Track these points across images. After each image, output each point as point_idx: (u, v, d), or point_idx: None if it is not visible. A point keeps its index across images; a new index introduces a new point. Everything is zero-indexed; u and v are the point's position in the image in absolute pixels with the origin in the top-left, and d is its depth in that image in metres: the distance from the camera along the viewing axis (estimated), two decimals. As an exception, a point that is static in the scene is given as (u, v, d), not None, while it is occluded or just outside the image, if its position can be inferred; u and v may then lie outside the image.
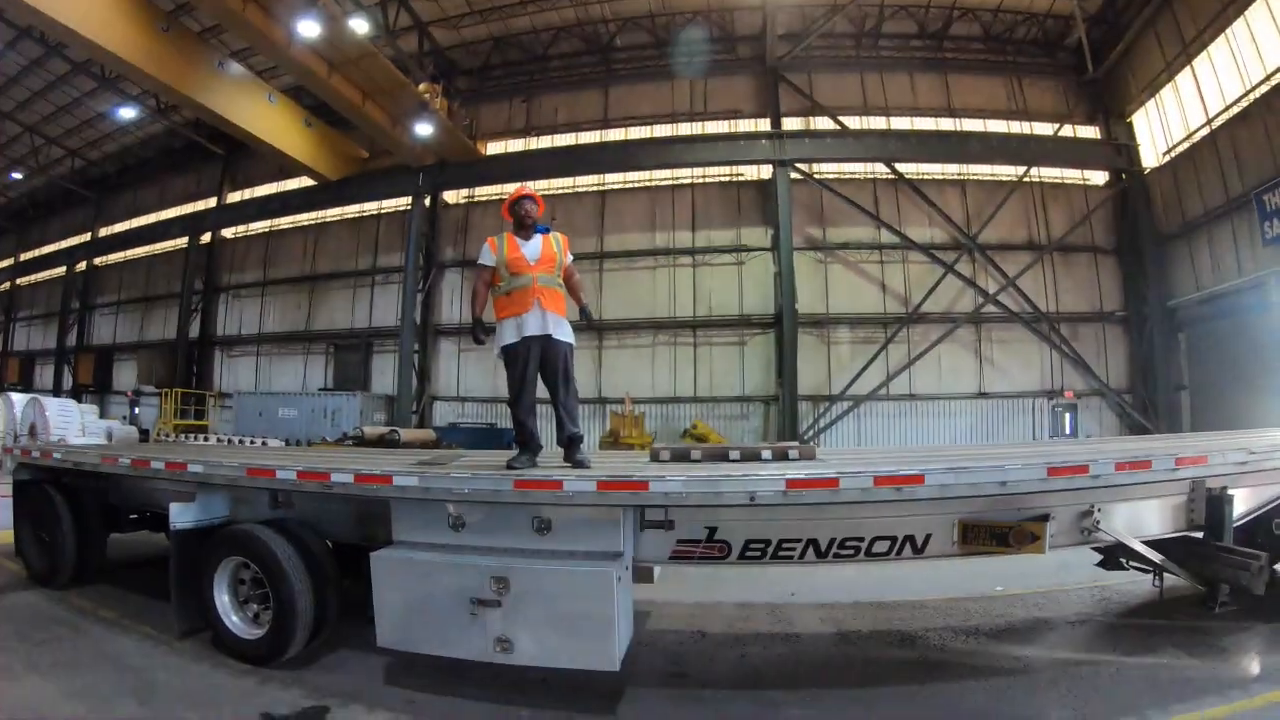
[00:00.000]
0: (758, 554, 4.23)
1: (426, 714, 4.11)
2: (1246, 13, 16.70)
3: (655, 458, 5.40)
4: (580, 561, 3.99)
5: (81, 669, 4.58)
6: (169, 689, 4.33)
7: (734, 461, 4.93)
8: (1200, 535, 4.94)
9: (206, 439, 19.68)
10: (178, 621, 4.98)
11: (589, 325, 5.47)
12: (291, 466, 4.77)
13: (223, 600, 4.80)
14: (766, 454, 5.05)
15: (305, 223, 24.92)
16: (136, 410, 27.18)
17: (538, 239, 4.97)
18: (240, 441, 18.17)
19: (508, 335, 4.84)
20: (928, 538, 4.24)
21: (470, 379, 22.10)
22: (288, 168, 23.23)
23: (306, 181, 23.65)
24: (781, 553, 4.22)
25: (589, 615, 3.85)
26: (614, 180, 21.43)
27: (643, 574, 4.38)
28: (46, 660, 4.69)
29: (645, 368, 20.27)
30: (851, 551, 4.24)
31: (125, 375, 28.67)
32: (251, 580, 4.75)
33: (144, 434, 22.09)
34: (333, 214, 24.37)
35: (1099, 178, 21.35)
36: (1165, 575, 5.68)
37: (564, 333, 4.90)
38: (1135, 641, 5.56)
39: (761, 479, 3.99)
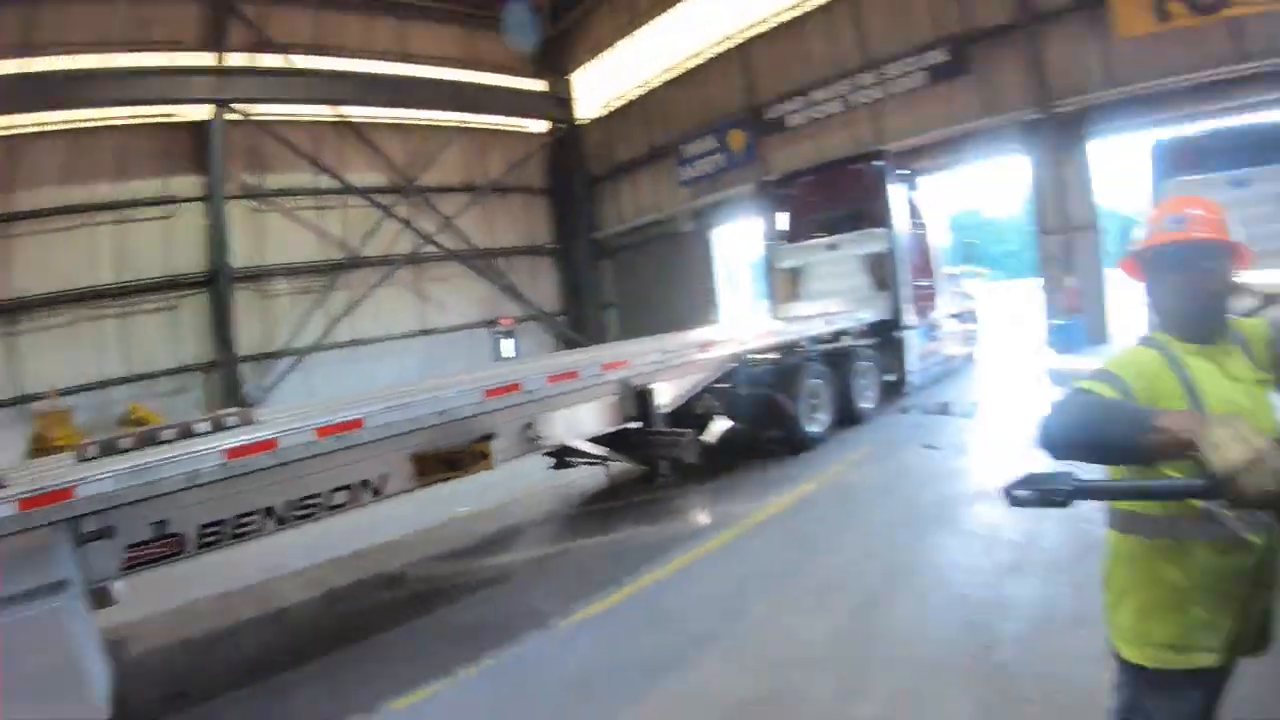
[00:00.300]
0: (216, 537, 3.97)
1: None
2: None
3: (82, 456, 4.53)
4: (18, 607, 3.30)
5: None
6: None
7: (169, 442, 4.40)
8: (637, 426, 5.82)
9: None
10: None
11: None
12: None
13: None
14: (203, 426, 4.62)
15: None
16: None
17: None
18: None
19: None
20: (384, 478, 4.34)
21: None
22: None
23: None
24: (241, 529, 4.02)
25: (49, 667, 3.29)
26: (27, 122, 17.78)
27: (102, 597, 3.98)
28: None
29: (67, 352, 17.37)
30: (312, 510, 4.19)
31: None
32: None
33: None
34: None
35: (541, 127, 24.06)
36: (612, 465, 6.78)
37: None
38: (597, 525, 6.29)
39: (199, 455, 3.73)
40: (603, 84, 23.72)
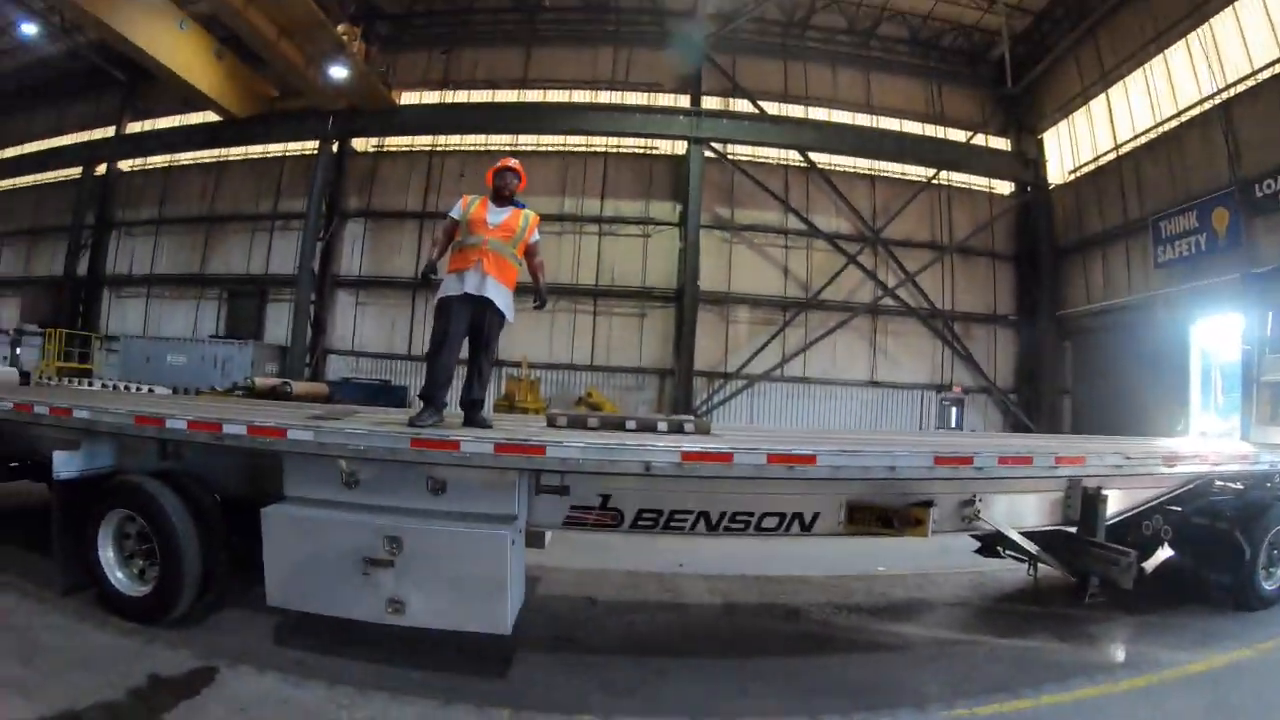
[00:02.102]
0: (650, 523, 4.24)
1: (316, 675, 3.94)
2: (1166, 51, 17.46)
3: (552, 423, 5.35)
4: (475, 524, 3.92)
5: (-43, 630, 4.31)
6: (53, 649, 4.07)
7: (630, 431, 4.93)
8: (1074, 530, 5.24)
9: (90, 384, 18.54)
10: (61, 578, 4.68)
11: (539, 308, 5.53)
12: (182, 416, 4.51)
13: (107, 555, 4.50)
14: (662, 425, 5.03)
15: (206, 160, 23.68)
16: (18, 350, 25.45)
17: (509, 210, 5.03)
18: (126, 388, 17.22)
19: (449, 288, 4.88)
20: (816, 516, 4.31)
21: (366, 333, 21.52)
22: (193, 100, 21.93)
23: (211, 117, 22.44)
24: (673, 523, 4.24)
25: (482, 578, 3.82)
26: (528, 142, 21.09)
27: (534, 539, 4.38)
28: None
29: (544, 333, 19.89)
30: (742, 526, 4.27)
31: (7, 312, 26.81)
32: (137, 535, 4.47)
33: (25, 376, 20.68)
34: (236, 153, 23.26)
35: (1005, 188, 22.08)
36: (1039, 565, 6.12)
37: (502, 301, 4.92)
38: (1009, 625, 5.73)
39: (657, 450, 3.96)
40: (1073, 146, 21.14)
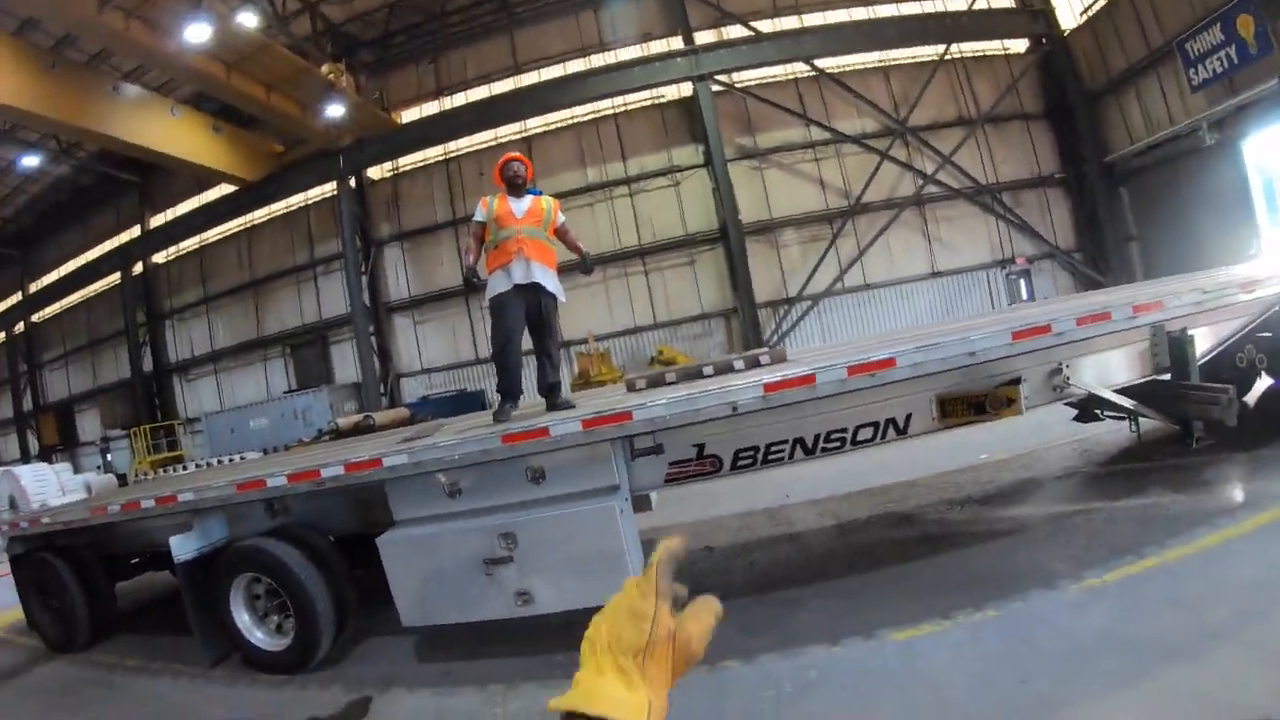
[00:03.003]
0: (749, 461, 4.27)
1: (465, 679, 4.15)
2: None
3: (631, 388, 5.49)
4: (581, 501, 4.01)
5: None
6: (215, 717, 4.34)
7: (709, 377, 4.99)
8: (1167, 377, 5.06)
9: (184, 468, 19.26)
10: (205, 651, 4.93)
11: (588, 272, 5.70)
12: (280, 472, 4.69)
13: (243, 619, 4.74)
14: (739, 364, 5.10)
15: (235, 229, 24.18)
16: (109, 456, 26.67)
17: (528, 199, 5.15)
18: (218, 462, 17.80)
19: (497, 285, 5.00)
20: (908, 418, 4.31)
21: (431, 350, 21.80)
22: (205, 179, 22.52)
23: (227, 189, 22.95)
24: (771, 456, 4.26)
25: (600, 552, 3.89)
26: (536, 125, 21.04)
27: (640, 503, 4.44)
28: (88, 721, 4.66)
29: (601, 304, 20.03)
30: (838, 443, 4.29)
31: (90, 424, 27.97)
32: (266, 593, 4.72)
33: (121, 479, 21.55)
34: (261, 215, 23.65)
35: (1020, 45, 21.23)
36: (1140, 420, 5.95)
37: (550, 283, 5.07)
38: (1121, 487, 5.71)
39: (739, 388, 3.98)
40: None
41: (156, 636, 5.96)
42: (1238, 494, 5.30)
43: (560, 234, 5.28)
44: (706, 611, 0.82)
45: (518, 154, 5.28)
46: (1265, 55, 14.96)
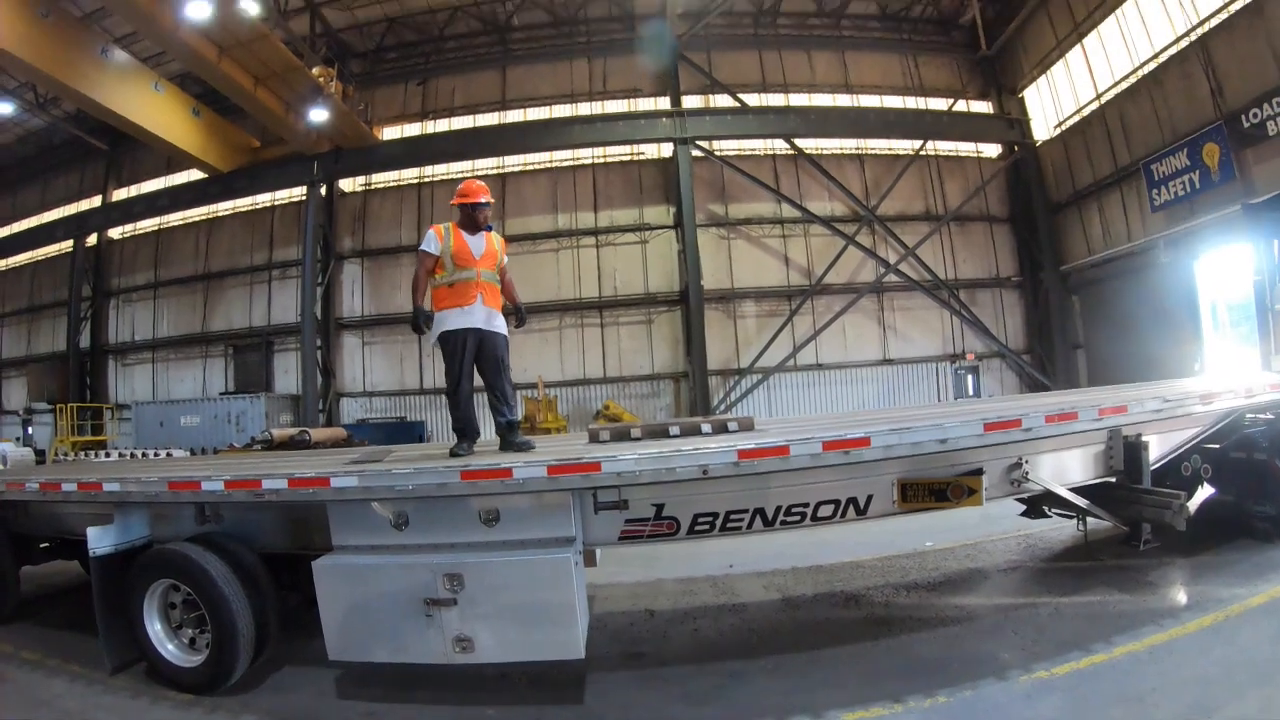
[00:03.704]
0: (706, 527, 4.19)
1: None
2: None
3: (595, 438, 5.32)
4: (535, 550, 3.88)
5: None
6: None
7: (675, 437, 4.87)
8: (1116, 480, 5.22)
9: (107, 455, 18.62)
10: (108, 656, 4.57)
11: (520, 324, 5.37)
12: (218, 476, 4.43)
13: (155, 628, 4.44)
14: (707, 427, 4.98)
15: (196, 218, 23.71)
16: (30, 430, 25.55)
17: (483, 236, 5.03)
18: (143, 454, 17.24)
19: (451, 322, 4.87)
20: (869, 498, 4.30)
21: (376, 372, 21.53)
22: (176, 160, 22.09)
23: (196, 175, 22.45)
24: (730, 524, 4.19)
25: (550, 605, 3.76)
26: (514, 163, 21.16)
27: (587, 558, 4.34)
28: (-32, 713, 4.28)
29: (554, 351, 20.08)
30: (798, 517, 4.25)
31: (15, 393, 26.90)
32: (184, 603, 4.43)
33: (40, 455, 20.78)
34: (225, 208, 23.26)
35: (993, 150, 22.11)
36: (1088, 520, 6.05)
37: (500, 325, 5.03)
38: (1068, 583, 5.75)
39: (713, 451, 3.92)
40: (1055, 101, 21.07)
41: (58, 631, 5.65)
42: (1181, 596, 5.43)
43: (502, 273, 5.15)
44: None
45: (486, 190, 5.09)
46: (1227, 182, 15.60)
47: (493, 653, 3.80)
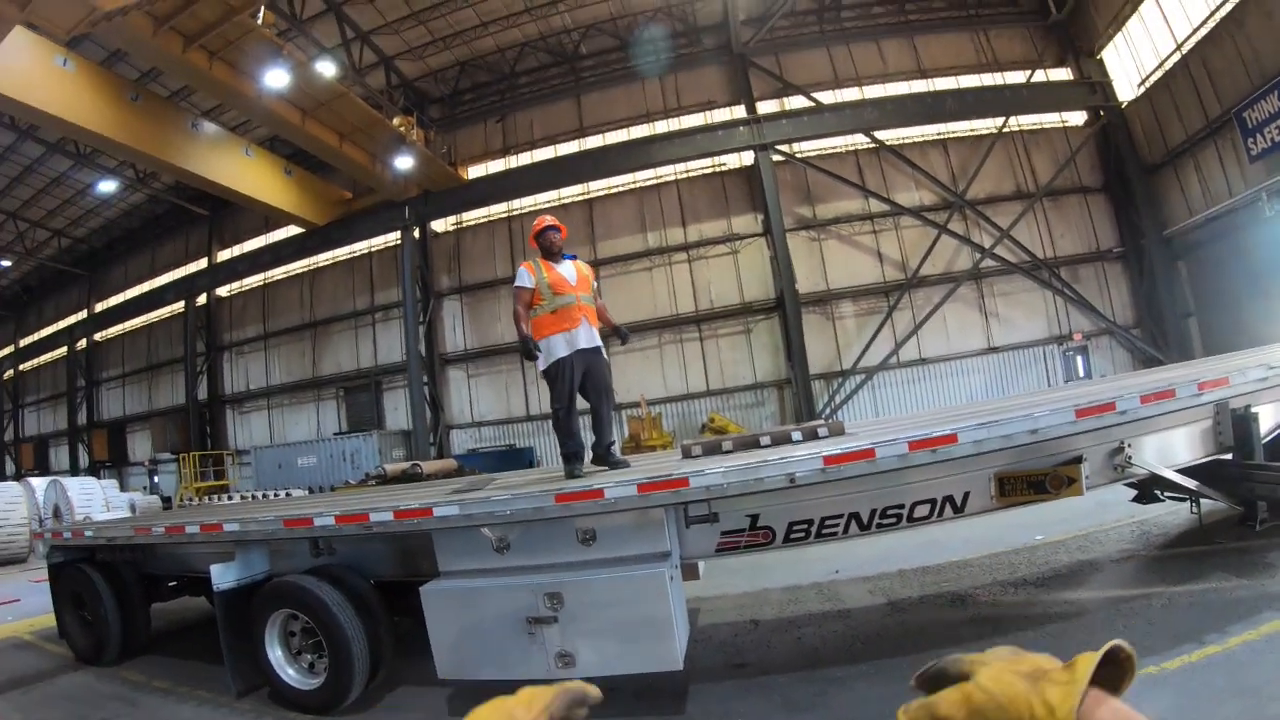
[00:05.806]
0: (802, 534, 4.19)
1: None
2: (1206, -65, 16.61)
3: (687, 454, 5.33)
4: (631, 566, 3.97)
5: (145, 742, 4.56)
6: None
7: (766, 447, 4.89)
8: (1230, 456, 4.88)
9: (229, 498, 19.71)
10: (234, 681, 4.94)
11: (624, 343, 5.76)
12: (329, 512, 4.71)
13: (276, 654, 4.75)
14: (797, 435, 5.01)
15: (299, 270, 24.98)
16: (156, 479, 27.35)
17: (569, 263, 5.24)
18: (264, 495, 18.22)
19: (557, 350, 5.06)
20: (966, 495, 4.20)
21: (482, 403, 22.19)
22: (273, 219, 23.36)
23: (294, 230, 23.70)
24: (825, 530, 4.18)
25: (647, 618, 3.83)
26: (598, 187, 21.50)
27: (689, 571, 4.41)
28: (107, 738, 4.67)
29: (655, 368, 20.31)
30: (894, 519, 4.20)
31: (140, 446, 28.80)
32: (302, 630, 4.72)
33: (166, 501, 22.22)
34: (325, 258, 24.42)
35: (1077, 118, 21.27)
36: (1202, 501, 5.68)
37: (603, 350, 5.27)
38: (1182, 570, 5.55)
39: (799, 460, 3.94)
40: (1135, 58, 20.15)
41: (186, 660, 6.01)
42: None
43: (595, 296, 5.38)
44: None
45: (553, 220, 5.31)
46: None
47: (594, 666, 3.85)
